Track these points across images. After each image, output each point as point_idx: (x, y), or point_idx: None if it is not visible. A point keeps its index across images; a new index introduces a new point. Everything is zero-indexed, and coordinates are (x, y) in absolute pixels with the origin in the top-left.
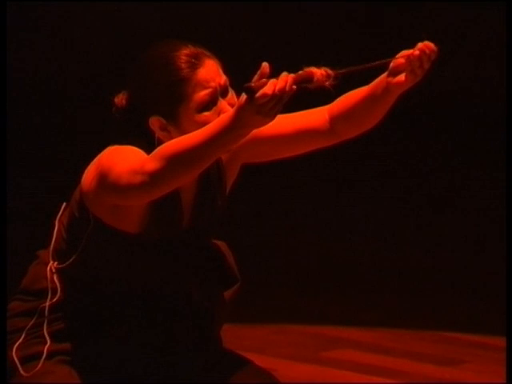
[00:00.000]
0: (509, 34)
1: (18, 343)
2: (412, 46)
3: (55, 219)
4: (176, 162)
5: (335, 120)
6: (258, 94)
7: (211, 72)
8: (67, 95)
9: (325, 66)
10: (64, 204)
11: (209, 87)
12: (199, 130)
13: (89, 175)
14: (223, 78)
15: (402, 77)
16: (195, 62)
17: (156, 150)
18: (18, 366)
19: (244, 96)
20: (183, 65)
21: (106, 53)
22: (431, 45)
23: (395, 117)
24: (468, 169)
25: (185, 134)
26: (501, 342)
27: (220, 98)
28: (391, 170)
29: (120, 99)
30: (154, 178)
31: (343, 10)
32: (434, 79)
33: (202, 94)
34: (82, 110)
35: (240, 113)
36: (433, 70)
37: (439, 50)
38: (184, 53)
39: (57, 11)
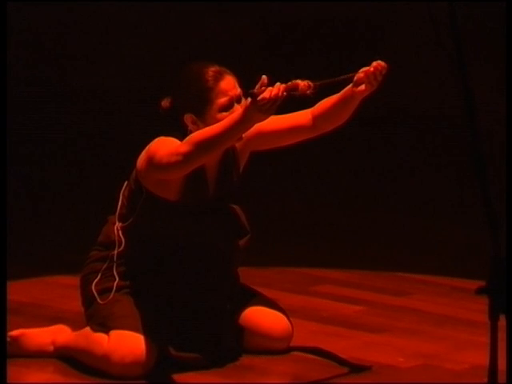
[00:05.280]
0: (509, 33)
1: (95, 281)
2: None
3: (119, 193)
4: (201, 145)
5: (316, 119)
6: (259, 98)
7: (230, 84)
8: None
9: (307, 78)
10: (126, 182)
11: (227, 95)
12: (217, 124)
13: (141, 158)
14: (238, 90)
15: (362, 87)
16: (218, 76)
17: (187, 137)
18: (96, 296)
19: (249, 99)
20: (210, 78)
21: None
22: (382, 63)
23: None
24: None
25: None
26: (438, 279)
27: (235, 104)
28: None
29: (165, 102)
30: (185, 158)
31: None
32: None
33: (223, 100)
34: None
35: (246, 111)
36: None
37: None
38: (211, 69)
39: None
